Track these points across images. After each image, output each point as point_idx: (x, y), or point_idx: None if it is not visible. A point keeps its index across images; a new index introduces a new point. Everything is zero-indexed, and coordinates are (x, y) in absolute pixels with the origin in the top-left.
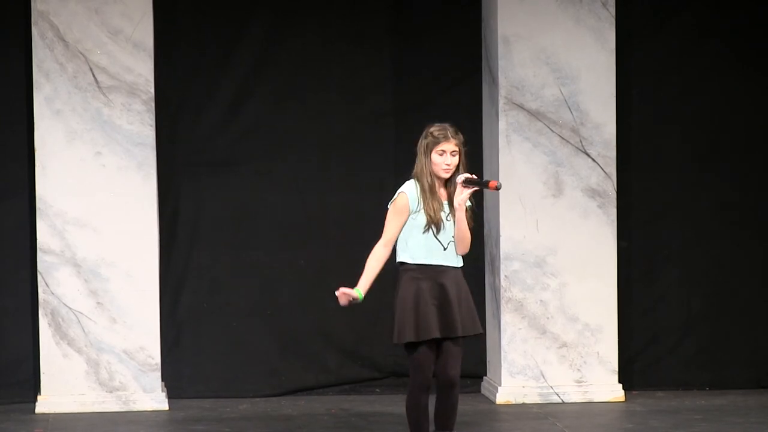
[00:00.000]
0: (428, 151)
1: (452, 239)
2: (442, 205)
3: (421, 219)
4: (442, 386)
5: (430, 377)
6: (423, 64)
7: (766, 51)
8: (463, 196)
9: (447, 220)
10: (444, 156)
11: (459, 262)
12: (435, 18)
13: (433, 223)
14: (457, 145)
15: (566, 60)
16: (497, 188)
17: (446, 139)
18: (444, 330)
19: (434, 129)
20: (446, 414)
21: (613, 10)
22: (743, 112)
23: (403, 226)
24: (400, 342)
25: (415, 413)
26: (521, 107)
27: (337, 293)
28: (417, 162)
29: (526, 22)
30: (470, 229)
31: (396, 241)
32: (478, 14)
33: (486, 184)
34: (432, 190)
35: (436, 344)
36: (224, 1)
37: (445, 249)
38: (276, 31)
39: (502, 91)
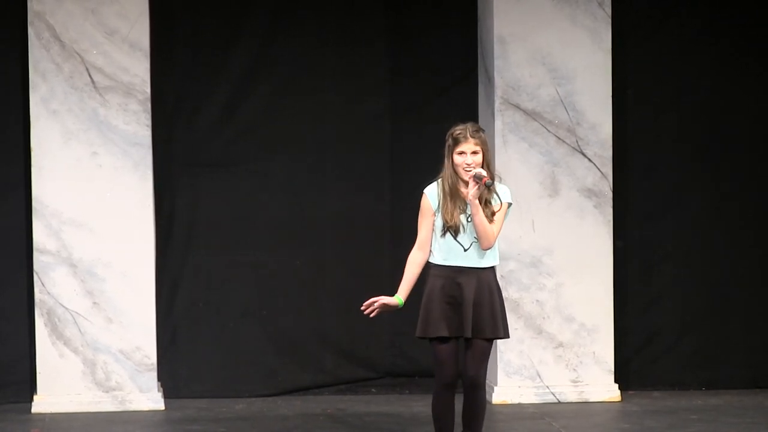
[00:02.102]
0: (450, 152)
1: (475, 240)
2: (465, 206)
3: (439, 221)
4: (464, 386)
5: (451, 375)
6: (419, 64)
7: (762, 50)
8: (472, 191)
9: (468, 221)
10: (464, 156)
11: (485, 263)
12: (431, 18)
13: (450, 227)
14: (477, 144)
15: (562, 60)
16: (486, 185)
17: (465, 139)
18: (453, 329)
19: (454, 130)
20: (468, 414)
21: (609, 9)
22: (740, 112)
23: (433, 225)
24: (416, 336)
25: (436, 411)
26: (517, 107)
27: (371, 307)
28: (444, 164)
29: (522, 22)
30: (498, 222)
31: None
32: (475, 15)
33: (481, 180)
34: (453, 192)
35: (464, 343)
36: (221, 1)
37: (465, 250)
38: (273, 32)
39: (498, 91)
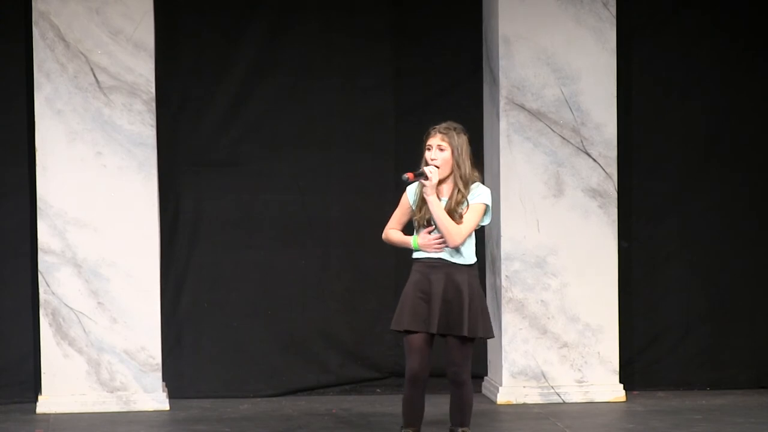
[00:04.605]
0: (424, 147)
1: None
2: (437, 198)
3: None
4: (449, 383)
5: (418, 369)
6: (424, 64)
7: (766, 50)
8: (424, 188)
9: None
10: (431, 151)
11: (458, 259)
12: (436, 18)
13: (417, 220)
14: (443, 139)
15: (567, 60)
16: (416, 175)
17: (433, 134)
18: (421, 324)
19: (431, 126)
20: (453, 410)
21: (613, 10)
22: (744, 112)
23: (404, 217)
24: (390, 329)
25: (403, 404)
26: (522, 107)
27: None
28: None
29: (527, 22)
30: (467, 222)
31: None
32: (479, 14)
33: (421, 177)
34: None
35: (440, 339)
36: (225, 1)
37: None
38: (277, 31)
39: (503, 91)
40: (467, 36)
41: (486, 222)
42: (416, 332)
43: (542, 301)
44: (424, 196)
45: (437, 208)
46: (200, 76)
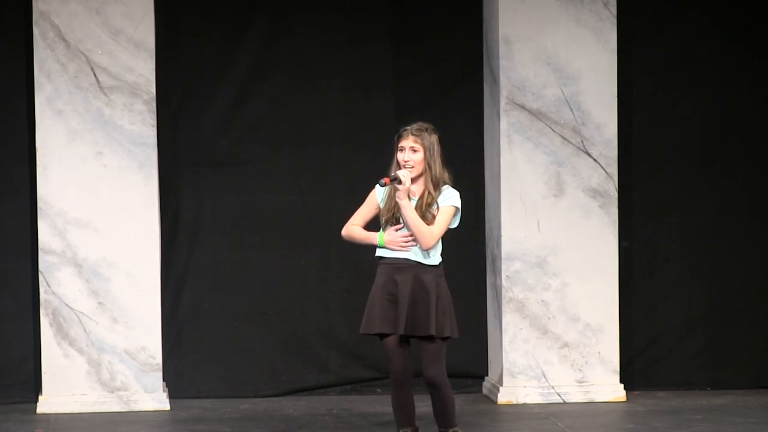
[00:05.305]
0: (396, 149)
1: None
2: (409, 201)
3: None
4: (426, 386)
5: (400, 370)
6: (424, 64)
7: (766, 50)
8: (398, 193)
9: None
10: (403, 153)
11: (425, 258)
12: (436, 18)
13: (385, 219)
14: (416, 141)
15: (567, 60)
16: (391, 179)
17: (405, 135)
18: (390, 326)
19: (403, 127)
20: (437, 412)
21: (614, 9)
22: (744, 112)
23: (369, 214)
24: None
25: (393, 406)
26: (522, 107)
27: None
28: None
29: (528, 22)
30: (439, 224)
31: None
32: (480, 14)
33: (394, 181)
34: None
35: (415, 342)
36: (225, 1)
37: None
38: (277, 31)
39: (504, 91)
40: (467, 36)
41: (454, 225)
42: (389, 334)
43: (543, 301)
44: (397, 199)
45: (410, 211)
46: (200, 76)
